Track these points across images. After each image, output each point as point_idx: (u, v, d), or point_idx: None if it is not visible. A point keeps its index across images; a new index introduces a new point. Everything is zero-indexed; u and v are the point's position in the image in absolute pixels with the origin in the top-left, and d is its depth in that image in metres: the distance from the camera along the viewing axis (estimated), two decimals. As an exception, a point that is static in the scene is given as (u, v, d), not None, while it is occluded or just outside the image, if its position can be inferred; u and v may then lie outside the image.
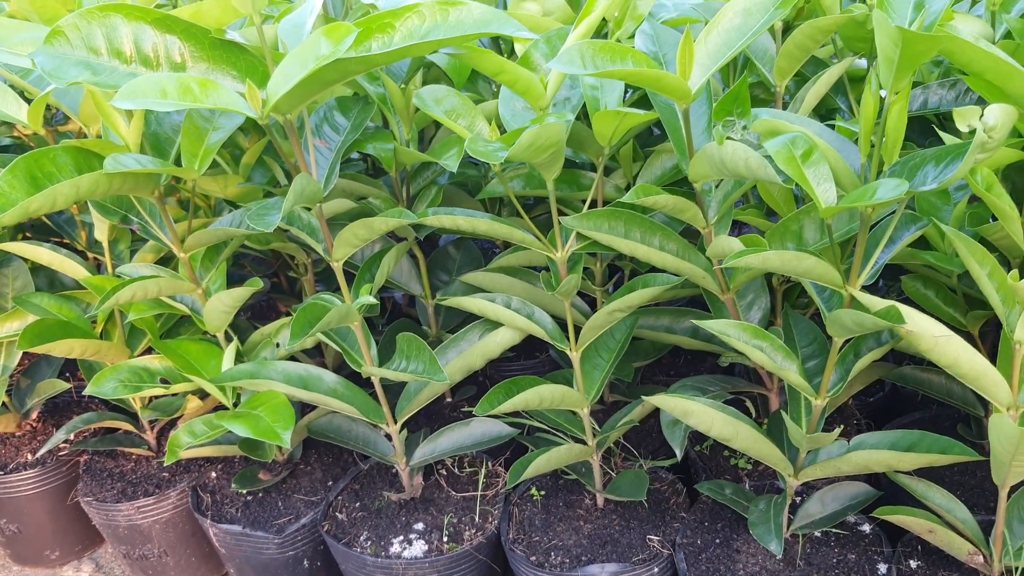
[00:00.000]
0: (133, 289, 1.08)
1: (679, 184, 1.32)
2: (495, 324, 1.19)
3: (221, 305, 1.13)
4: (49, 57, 0.90)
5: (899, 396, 1.48)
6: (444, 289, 1.40)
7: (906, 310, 0.82)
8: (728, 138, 0.86)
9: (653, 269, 1.20)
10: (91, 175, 0.92)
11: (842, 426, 1.14)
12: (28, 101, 1.27)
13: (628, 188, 1.25)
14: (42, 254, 1.32)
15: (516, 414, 1.28)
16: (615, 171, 1.28)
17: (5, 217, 0.85)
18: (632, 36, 1.15)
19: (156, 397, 1.45)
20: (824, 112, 1.23)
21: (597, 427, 1.19)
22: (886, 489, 1.15)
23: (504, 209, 1.45)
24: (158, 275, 1.12)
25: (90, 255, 1.51)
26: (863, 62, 1.18)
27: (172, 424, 1.48)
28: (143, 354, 1.38)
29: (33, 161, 0.91)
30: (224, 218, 1.12)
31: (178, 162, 1.07)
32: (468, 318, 1.41)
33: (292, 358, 1.30)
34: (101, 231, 1.31)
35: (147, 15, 0.92)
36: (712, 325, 0.95)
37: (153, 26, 0.93)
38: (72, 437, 1.53)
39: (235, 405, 1.21)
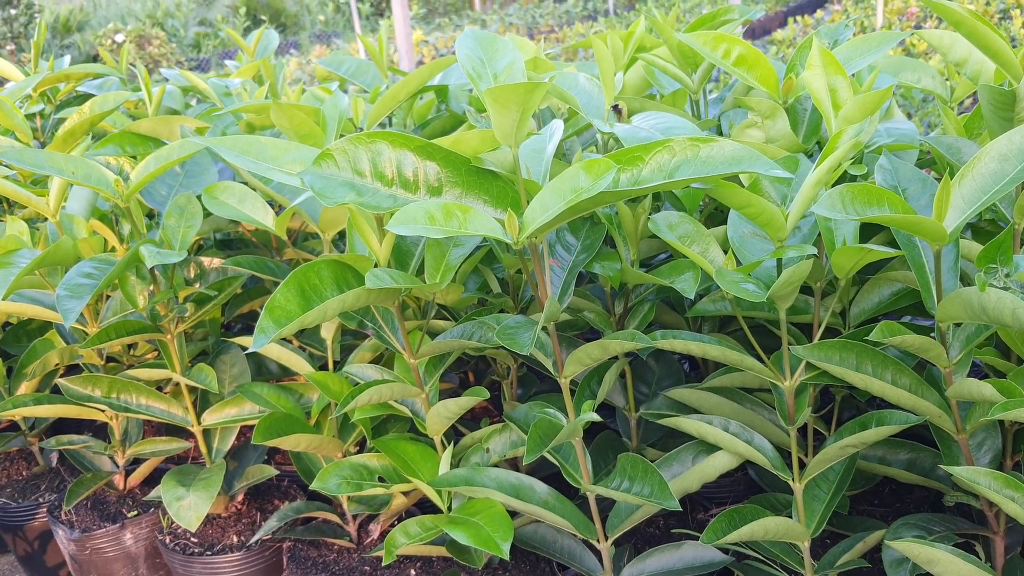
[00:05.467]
0: (370, 393, 1.14)
1: (896, 314, 1.30)
2: (709, 446, 1.18)
3: (446, 411, 1.17)
4: (317, 177, 0.97)
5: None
6: (646, 403, 1.40)
7: None
8: (990, 285, 0.86)
9: (875, 398, 1.17)
10: (355, 291, 0.98)
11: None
12: (269, 203, 1.38)
13: (843, 313, 1.24)
14: (272, 348, 1.41)
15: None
16: (829, 295, 1.27)
17: (284, 330, 0.91)
18: (852, 161, 1.16)
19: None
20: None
21: (813, 560, 1.16)
22: None
23: (705, 325, 1.46)
24: (391, 380, 1.18)
25: (295, 342, 1.59)
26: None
27: (371, 517, 1.52)
28: (351, 447, 1.44)
29: (302, 275, 0.98)
30: (455, 329, 1.17)
31: (418, 274, 1.13)
32: (667, 433, 1.41)
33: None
34: (328, 330, 1.38)
35: (410, 143, 0.99)
36: (962, 473, 0.92)
37: (415, 153, 0.99)
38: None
39: (448, 509, 1.24)
